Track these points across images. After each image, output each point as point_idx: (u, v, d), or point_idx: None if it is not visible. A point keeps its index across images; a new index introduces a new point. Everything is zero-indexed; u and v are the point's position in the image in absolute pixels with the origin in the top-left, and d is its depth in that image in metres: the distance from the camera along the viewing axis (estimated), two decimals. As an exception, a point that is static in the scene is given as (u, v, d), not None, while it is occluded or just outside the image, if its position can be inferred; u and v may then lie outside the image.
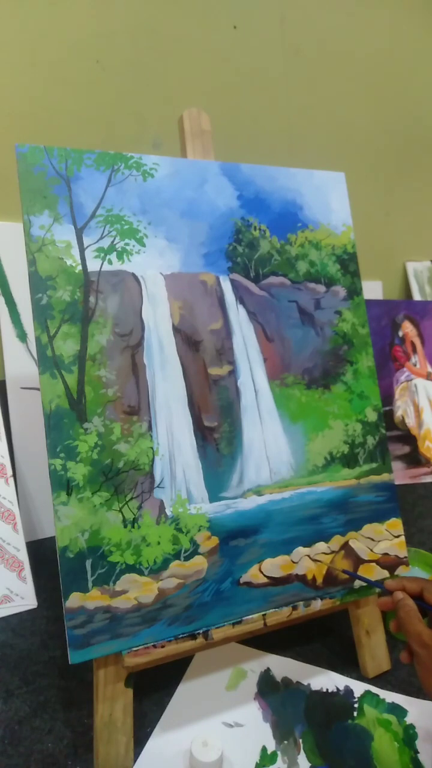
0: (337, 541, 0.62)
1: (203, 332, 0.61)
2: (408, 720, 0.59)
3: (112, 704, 0.53)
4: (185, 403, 0.58)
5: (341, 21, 1.36)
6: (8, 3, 0.95)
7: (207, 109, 0.69)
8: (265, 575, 0.58)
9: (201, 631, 0.54)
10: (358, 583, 0.62)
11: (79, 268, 0.56)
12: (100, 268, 0.57)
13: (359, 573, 0.62)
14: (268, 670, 0.65)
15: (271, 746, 0.56)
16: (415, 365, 1.31)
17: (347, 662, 0.67)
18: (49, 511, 0.97)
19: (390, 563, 0.64)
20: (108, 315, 0.56)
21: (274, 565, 0.58)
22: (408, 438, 1.27)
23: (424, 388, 1.31)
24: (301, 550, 0.60)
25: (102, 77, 1.06)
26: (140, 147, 1.12)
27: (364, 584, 0.62)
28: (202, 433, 0.59)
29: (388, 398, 1.26)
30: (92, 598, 0.50)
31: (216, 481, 0.58)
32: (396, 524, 0.65)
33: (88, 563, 0.51)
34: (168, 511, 0.55)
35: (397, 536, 0.65)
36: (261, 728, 0.58)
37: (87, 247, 0.56)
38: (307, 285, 0.67)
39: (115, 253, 0.58)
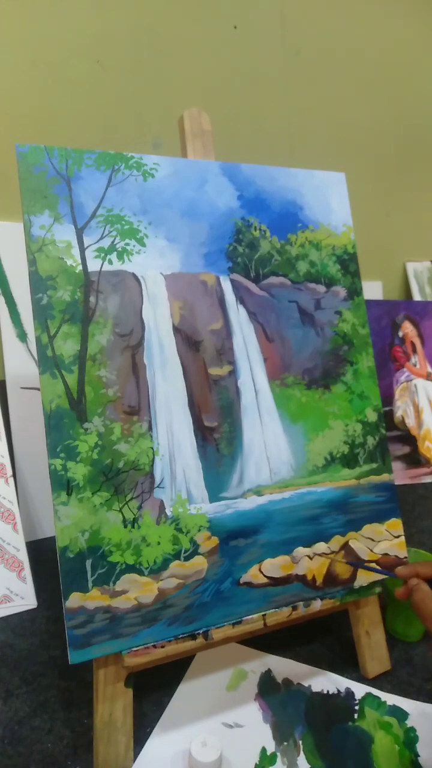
0: (337, 542, 0.62)
1: (203, 332, 0.61)
2: (409, 723, 0.59)
3: (112, 704, 0.53)
4: (185, 403, 0.58)
5: (341, 21, 1.36)
6: (8, 3, 0.95)
7: (207, 109, 0.69)
8: (265, 575, 0.58)
9: (201, 631, 0.54)
10: (358, 583, 0.61)
11: (80, 268, 0.56)
12: (101, 268, 0.57)
13: (359, 574, 0.62)
14: (269, 671, 0.65)
15: (271, 747, 0.56)
16: (415, 365, 1.31)
17: (347, 662, 0.67)
18: (49, 511, 0.97)
19: (390, 563, 0.64)
20: (108, 315, 0.56)
21: (274, 566, 0.58)
22: (408, 438, 1.27)
23: (424, 389, 1.31)
24: (301, 551, 0.60)
25: (102, 77, 1.06)
26: (140, 147, 1.12)
27: (365, 584, 0.62)
28: (202, 433, 0.58)
29: (388, 398, 1.26)
30: (92, 598, 0.50)
31: (216, 481, 0.58)
32: (396, 524, 0.65)
33: (88, 563, 0.51)
34: (168, 511, 0.55)
35: (397, 536, 0.65)
36: (261, 729, 0.58)
37: (87, 247, 0.56)
38: (307, 285, 0.67)
39: (115, 253, 0.58)
